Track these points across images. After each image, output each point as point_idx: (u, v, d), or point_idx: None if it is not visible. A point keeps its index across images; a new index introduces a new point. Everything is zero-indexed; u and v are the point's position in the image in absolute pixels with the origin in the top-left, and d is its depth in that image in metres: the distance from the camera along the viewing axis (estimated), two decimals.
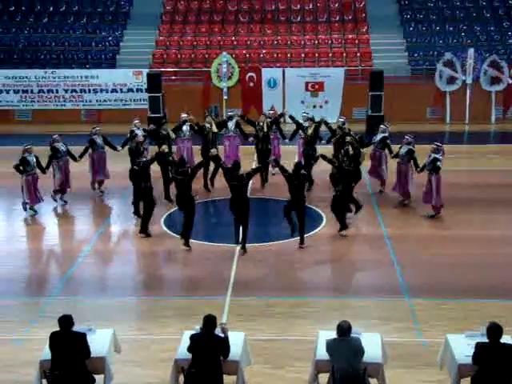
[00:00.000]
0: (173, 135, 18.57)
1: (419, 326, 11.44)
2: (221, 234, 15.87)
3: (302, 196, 14.63)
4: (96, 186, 18.51)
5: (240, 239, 14.54)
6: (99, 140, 18.36)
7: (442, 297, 12.46)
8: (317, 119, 18.76)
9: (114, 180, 18.76)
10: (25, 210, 16.83)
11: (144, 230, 15.55)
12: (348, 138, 16.58)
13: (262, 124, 18.72)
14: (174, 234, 15.47)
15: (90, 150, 18.19)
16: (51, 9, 31.73)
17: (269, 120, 19.00)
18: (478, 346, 8.45)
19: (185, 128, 19.17)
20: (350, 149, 15.98)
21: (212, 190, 18.55)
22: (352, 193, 16.22)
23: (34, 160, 16.74)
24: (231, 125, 19.49)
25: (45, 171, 17.12)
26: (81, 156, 18.03)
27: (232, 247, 14.69)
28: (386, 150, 17.80)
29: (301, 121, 18.92)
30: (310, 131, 18.33)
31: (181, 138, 19.33)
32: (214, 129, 18.72)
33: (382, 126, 18.48)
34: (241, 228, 14.52)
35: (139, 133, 18.21)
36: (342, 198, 15.44)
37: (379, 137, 17.89)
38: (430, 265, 13.92)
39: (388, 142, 17.70)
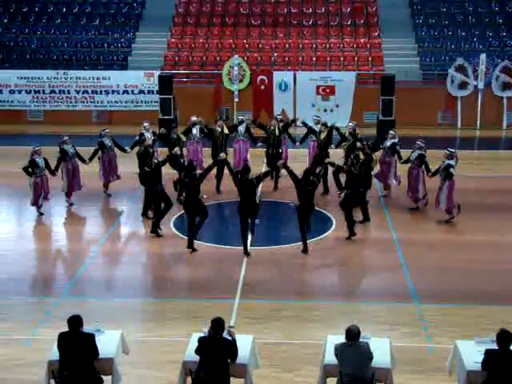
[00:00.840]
0: (183, 138, 18.55)
1: (428, 331, 11.39)
2: (230, 237, 15.86)
3: (311, 202, 14.61)
4: (103, 189, 18.50)
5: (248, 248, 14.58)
6: (108, 142, 18.37)
7: (451, 302, 12.40)
8: (328, 124, 18.71)
9: (124, 181, 18.78)
10: (38, 208, 16.88)
11: (154, 231, 15.60)
12: (359, 144, 16.53)
13: (273, 128, 18.67)
14: (184, 236, 15.46)
15: (99, 153, 18.20)
16: (64, 10, 31.81)
17: (281, 124, 18.96)
18: (488, 352, 8.41)
19: (194, 131, 19.18)
20: (361, 155, 15.94)
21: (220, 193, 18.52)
22: (365, 200, 16.29)
23: (43, 162, 16.73)
24: (241, 129, 19.49)
25: (54, 173, 17.13)
26: (90, 159, 18.07)
27: (241, 249, 14.66)
28: (396, 157, 17.71)
29: (311, 124, 18.89)
30: (322, 136, 18.30)
31: (190, 141, 19.36)
32: (226, 131, 18.71)
33: (391, 132, 18.39)
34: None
35: (148, 135, 18.29)
36: (349, 202, 15.43)
37: (389, 143, 17.76)
38: (439, 270, 13.86)
39: (398, 148, 17.57)
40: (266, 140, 18.87)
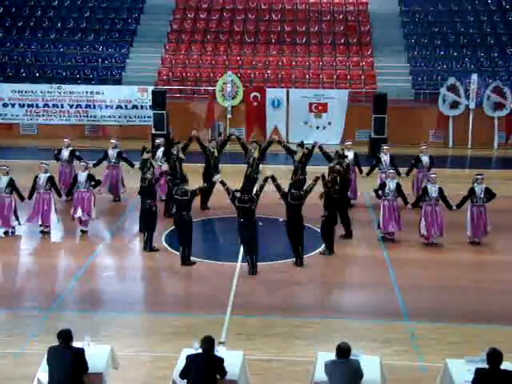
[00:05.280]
0: (182, 156, 18.44)
1: (418, 349, 11.37)
2: (221, 252, 15.83)
3: (299, 216, 14.63)
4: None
5: (250, 264, 14.48)
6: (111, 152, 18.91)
7: (442, 321, 12.39)
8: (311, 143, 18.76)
9: (123, 195, 19.15)
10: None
11: (148, 247, 15.58)
12: (337, 167, 16.52)
13: (252, 151, 18.68)
14: (175, 251, 15.42)
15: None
16: (59, 25, 31.84)
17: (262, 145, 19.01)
18: (478, 371, 8.37)
19: (159, 153, 18.86)
20: (338, 178, 15.97)
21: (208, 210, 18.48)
22: (347, 218, 16.49)
23: (43, 180, 16.53)
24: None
25: (60, 194, 17.11)
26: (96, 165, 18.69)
27: (233, 265, 14.64)
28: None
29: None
30: (297, 157, 18.42)
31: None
32: (216, 153, 18.68)
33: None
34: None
35: (111, 153, 18.96)
36: (328, 223, 15.49)
37: (394, 185, 16.46)
38: (430, 288, 13.87)
39: (401, 189, 16.66)
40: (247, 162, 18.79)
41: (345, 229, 16.61)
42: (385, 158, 18.62)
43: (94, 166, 18.64)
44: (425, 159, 18.75)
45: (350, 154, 18.63)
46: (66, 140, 19.41)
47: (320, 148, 18.39)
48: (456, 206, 16.31)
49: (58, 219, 16.76)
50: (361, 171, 18.92)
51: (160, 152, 18.77)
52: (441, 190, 16.11)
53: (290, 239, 14.82)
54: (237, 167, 19.94)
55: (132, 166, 19.06)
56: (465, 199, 16.27)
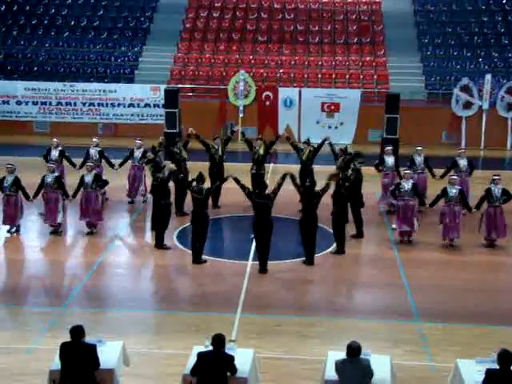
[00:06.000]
0: (185, 155, 18.50)
1: (429, 349, 11.38)
2: (233, 251, 15.88)
3: (314, 214, 14.71)
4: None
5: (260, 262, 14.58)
6: (138, 153, 18.90)
7: (452, 321, 12.40)
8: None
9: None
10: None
11: (159, 245, 15.67)
12: (354, 165, 16.53)
13: (257, 148, 18.73)
14: (187, 249, 15.51)
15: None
16: (72, 23, 32.04)
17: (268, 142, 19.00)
18: (488, 372, 8.39)
19: (137, 153, 19.07)
20: (352, 176, 16.03)
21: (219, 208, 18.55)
22: (360, 217, 16.53)
23: (50, 180, 16.58)
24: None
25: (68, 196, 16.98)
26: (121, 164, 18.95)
27: (244, 264, 14.71)
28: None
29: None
30: (304, 155, 18.46)
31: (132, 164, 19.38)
32: (220, 152, 18.69)
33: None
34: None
35: (137, 154, 18.87)
36: (337, 220, 15.54)
37: (410, 185, 16.31)
38: (441, 289, 13.86)
39: (417, 189, 16.61)
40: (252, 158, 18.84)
41: (356, 228, 16.64)
42: (418, 160, 18.44)
43: (120, 165, 18.89)
44: (462, 163, 18.45)
45: (390, 160, 18.50)
46: (55, 140, 19.35)
47: (330, 144, 18.33)
48: (475, 207, 16.32)
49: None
50: (433, 175, 18.46)
51: (139, 152, 18.91)
52: (461, 192, 16.09)
53: (302, 237, 14.87)
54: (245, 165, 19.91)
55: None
56: (482, 200, 16.27)
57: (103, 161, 19.11)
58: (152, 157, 17.31)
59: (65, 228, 17.15)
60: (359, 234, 16.67)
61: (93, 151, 19.03)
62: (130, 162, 19.21)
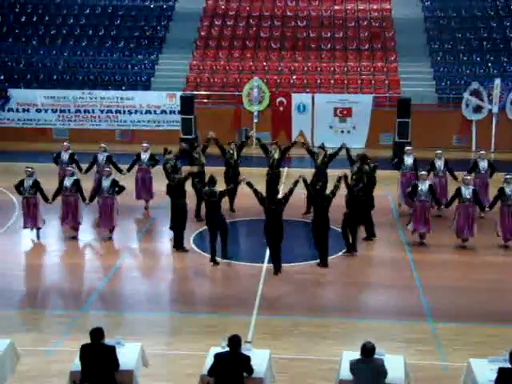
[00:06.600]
0: (203, 159, 18.54)
1: (441, 349, 11.34)
2: (248, 254, 15.88)
3: (325, 217, 14.71)
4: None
5: (268, 260, 14.67)
6: (145, 156, 18.95)
7: (464, 321, 12.34)
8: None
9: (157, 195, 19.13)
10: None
11: (179, 246, 15.73)
12: (366, 167, 16.51)
13: (272, 152, 18.72)
14: (204, 253, 15.53)
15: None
16: (90, 32, 32.19)
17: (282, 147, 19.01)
18: (501, 371, 8.35)
19: (143, 156, 19.14)
20: (365, 178, 16.00)
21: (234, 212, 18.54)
22: (370, 218, 16.48)
23: (69, 183, 16.63)
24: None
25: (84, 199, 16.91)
26: (129, 169, 18.95)
27: (259, 267, 14.72)
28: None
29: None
30: (319, 160, 18.38)
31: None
32: (235, 156, 18.71)
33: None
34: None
35: (143, 157, 18.96)
36: (350, 220, 15.51)
37: (427, 187, 16.20)
38: (454, 289, 13.81)
39: (434, 191, 16.55)
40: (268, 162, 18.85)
41: (366, 230, 16.59)
42: (439, 163, 18.31)
43: (128, 170, 18.93)
44: (482, 164, 18.38)
45: (410, 159, 18.48)
46: (66, 143, 19.55)
47: (347, 150, 18.23)
48: (488, 206, 16.32)
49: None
50: (455, 178, 18.23)
51: (145, 156, 18.99)
52: (474, 192, 16.00)
53: (315, 239, 14.87)
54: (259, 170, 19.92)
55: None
56: (495, 199, 16.19)
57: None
58: (170, 157, 17.35)
59: (83, 232, 17.17)
60: (371, 235, 16.59)
61: (101, 157, 19.02)
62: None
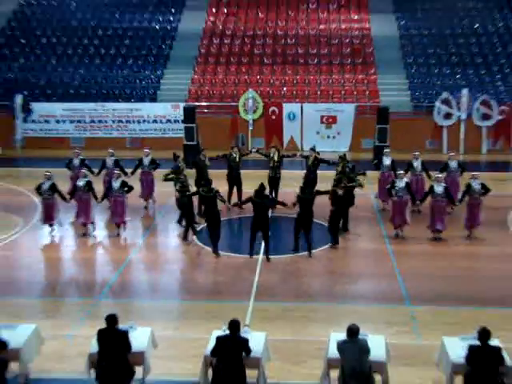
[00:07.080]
0: (208, 162, 18.54)
1: (418, 330, 11.35)
2: (245, 247, 15.88)
3: (309, 211, 14.75)
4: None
5: (263, 252, 14.77)
6: (146, 161, 18.89)
7: (440, 305, 12.35)
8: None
9: (161, 195, 19.10)
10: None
11: (185, 236, 15.94)
12: (358, 179, 16.53)
13: (272, 155, 18.76)
14: (204, 246, 15.53)
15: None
16: (103, 51, 32.11)
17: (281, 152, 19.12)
18: (470, 347, 8.37)
19: (146, 161, 19.08)
20: (345, 178, 16.07)
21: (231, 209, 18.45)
22: (347, 214, 16.46)
23: (82, 183, 16.55)
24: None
25: (97, 198, 16.78)
26: (133, 172, 18.83)
27: (255, 258, 14.72)
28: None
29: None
30: (310, 161, 18.47)
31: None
32: (237, 158, 18.70)
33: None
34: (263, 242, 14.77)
35: (145, 161, 18.87)
36: (335, 217, 15.57)
37: (403, 184, 16.14)
38: (429, 276, 13.82)
39: (410, 188, 16.48)
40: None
41: (343, 224, 16.42)
42: (416, 163, 18.25)
43: (132, 173, 18.76)
44: (452, 164, 18.32)
45: (388, 160, 18.41)
46: (77, 150, 19.58)
47: (333, 163, 17.84)
48: (458, 200, 16.39)
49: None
50: (429, 176, 18.00)
51: (147, 160, 18.93)
52: (446, 189, 16.00)
53: (296, 228, 14.95)
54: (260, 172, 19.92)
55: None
56: (464, 194, 16.24)
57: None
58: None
59: (95, 228, 17.06)
60: (344, 229, 16.49)
61: (109, 160, 18.97)
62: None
